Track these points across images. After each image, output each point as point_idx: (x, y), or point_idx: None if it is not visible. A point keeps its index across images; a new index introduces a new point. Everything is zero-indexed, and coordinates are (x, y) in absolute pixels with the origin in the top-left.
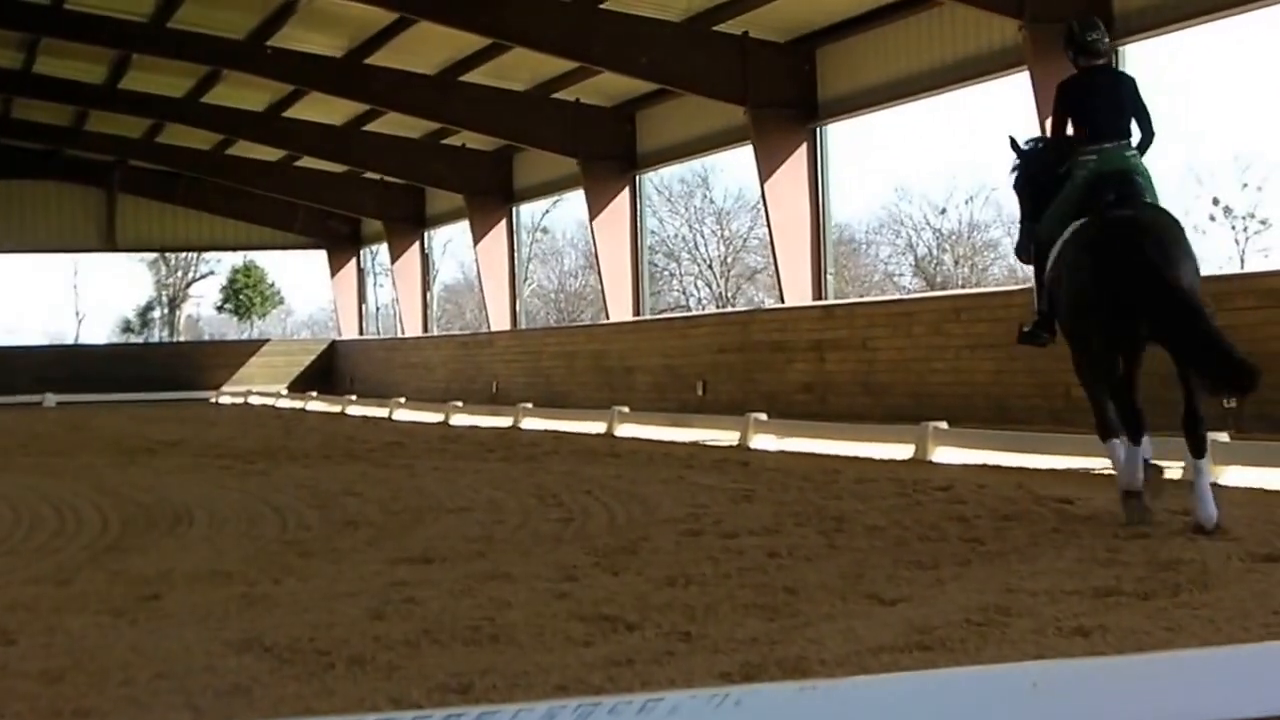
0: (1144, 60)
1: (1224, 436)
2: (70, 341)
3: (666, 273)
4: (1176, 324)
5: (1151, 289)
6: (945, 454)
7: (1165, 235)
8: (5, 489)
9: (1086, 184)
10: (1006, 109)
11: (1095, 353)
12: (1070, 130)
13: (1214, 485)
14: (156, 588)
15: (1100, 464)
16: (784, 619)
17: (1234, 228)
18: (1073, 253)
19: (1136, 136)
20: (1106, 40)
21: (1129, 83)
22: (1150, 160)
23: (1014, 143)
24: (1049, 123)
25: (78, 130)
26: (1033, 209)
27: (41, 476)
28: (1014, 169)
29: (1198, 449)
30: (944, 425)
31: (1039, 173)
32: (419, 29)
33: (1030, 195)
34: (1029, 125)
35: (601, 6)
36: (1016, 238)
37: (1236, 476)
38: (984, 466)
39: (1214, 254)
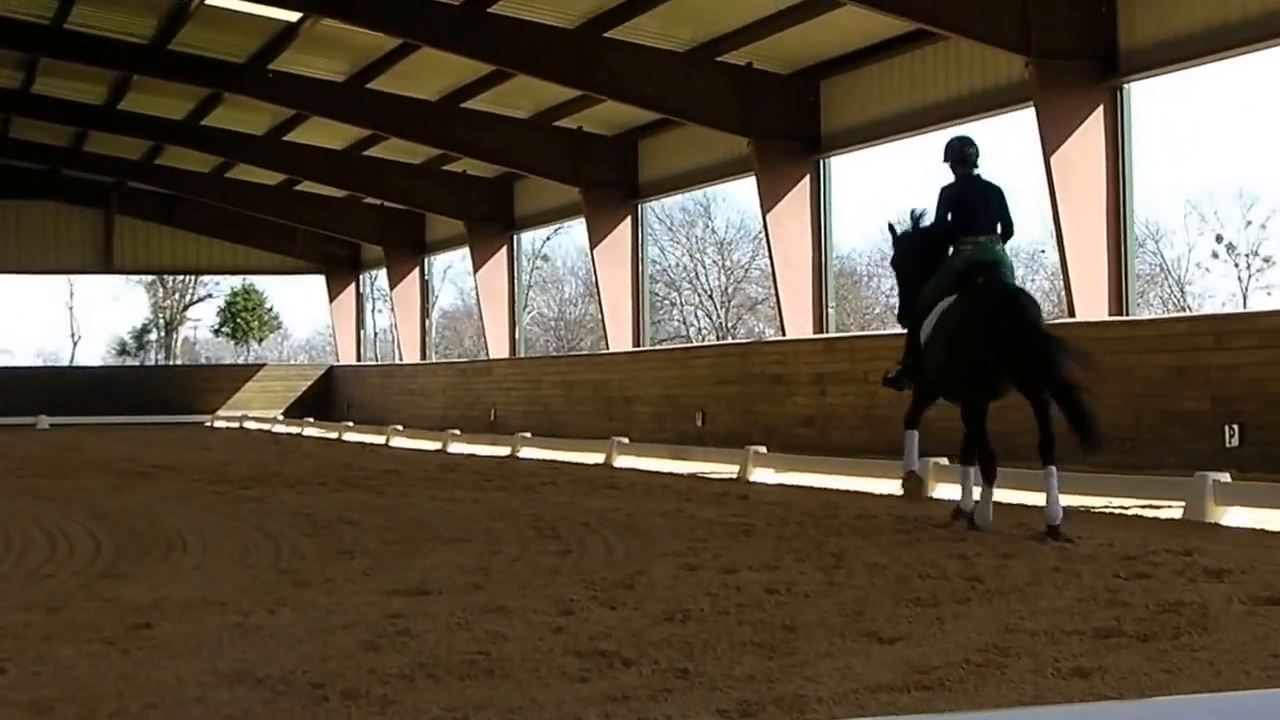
0: (1148, 97)
1: (1225, 477)
2: (65, 362)
3: (667, 302)
4: (1060, 383)
5: (1033, 338)
6: (946, 490)
7: (1033, 303)
8: None
9: (963, 266)
10: (1011, 144)
11: (961, 380)
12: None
13: (1215, 523)
14: (149, 616)
15: (1101, 503)
16: (782, 657)
17: (1236, 265)
18: (957, 308)
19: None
20: (979, 153)
21: (997, 189)
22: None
23: (892, 228)
24: (934, 213)
25: (76, 151)
26: (907, 283)
27: (34, 499)
28: (894, 250)
29: (1048, 459)
30: (944, 461)
31: (909, 255)
32: (421, 55)
33: (903, 272)
34: (1034, 160)
35: (605, 35)
36: (898, 305)
37: (1238, 517)
38: None
39: (1216, 292)
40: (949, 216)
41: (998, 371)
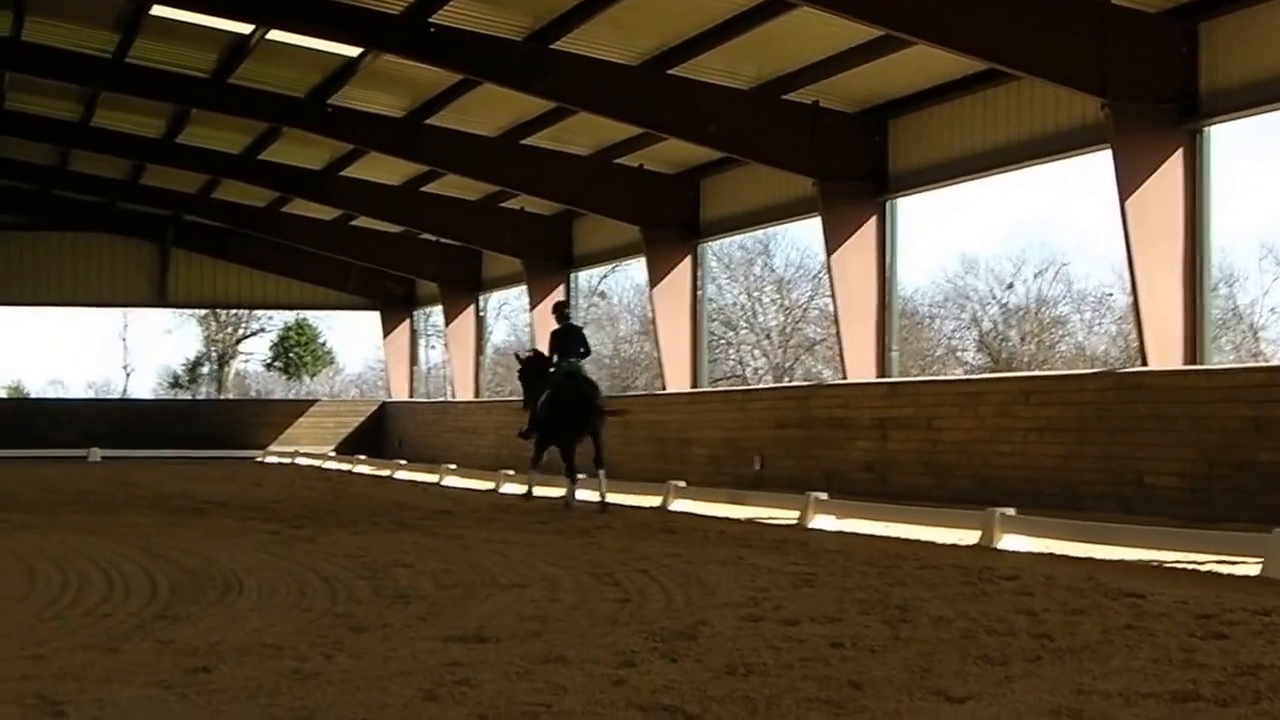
0: (1225, 138)
1: None
2: (117, 394)
3: (723, 341)
4: (597, 426)
5: (590, 411)
6: (1012, 541)
7: (595, 390)
8: (52, 548)
9: (560, 374)
10: (1080, 181)
11: (558, 435)
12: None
13: None
14: (206, 659)
15: (1174, 557)
16: (849, 715)
17: None
18: (555, 396)
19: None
20: (571, 311)
21: (579, 330)
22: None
23: (517, 356)
24: (546, 346)
25: (133, 184)
26: (530, 386)
27: (88, 536)
28: (521, 368)
29: (600, 467)
30: (1011, 512)
31: (532, 369)
32: (481, 91)
33: (528, 380)
34: (1108, 201)
35: (669, 72)
36: (523, 393)
37: None
38: (1052, 556)
39: None
40: (554, 347)
41: (575, 425)
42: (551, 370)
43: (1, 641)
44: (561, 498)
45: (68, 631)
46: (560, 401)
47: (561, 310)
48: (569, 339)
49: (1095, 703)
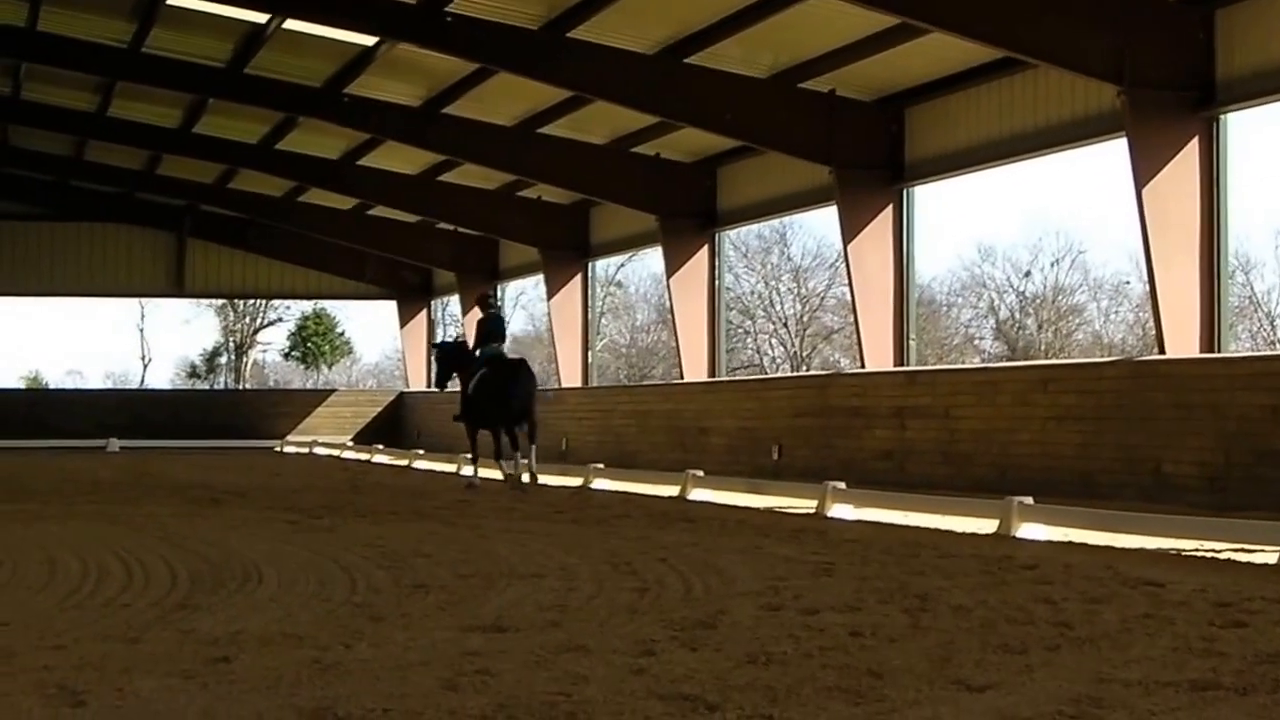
0: (1241, 125)
1: None
2: (135, 384)
3: (741, 330)
4: (527, 413)
5: (521, 395)
6: (1030, 530)
7: (527, 375)
8: (72, 538)
9: (487, 356)
10: (1096, 169)
11: (488, 420)
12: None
13: None
14: (226, 649)
15: (1192, 546)
16: (869, 703)
17: None
18: (486, 379)
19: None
20: (499, 304)
21: (501, 319)
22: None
23: (434, 344)
24: (472, 334)
25: (150, 174)
26: (447, 369)
27: (107, 525)
28: (438, 354)
29: (525, 453)
30: (1029, 500)
31: (451, 356)
32: (497, 80)
33: (445, 364)
34: (1125, 189)
35: (685, 61)
36: (437, 373)
37: None
38: (1070, 544)
39: None
40: (480, 335)
41: (508, 407)
42: (477, 354)
43: (22, 631)
44: (505, 478)
45: (88, 621)
46: (495, 385)
47: (487, 301)
48: (493, 328)
49: (1115, 691)
